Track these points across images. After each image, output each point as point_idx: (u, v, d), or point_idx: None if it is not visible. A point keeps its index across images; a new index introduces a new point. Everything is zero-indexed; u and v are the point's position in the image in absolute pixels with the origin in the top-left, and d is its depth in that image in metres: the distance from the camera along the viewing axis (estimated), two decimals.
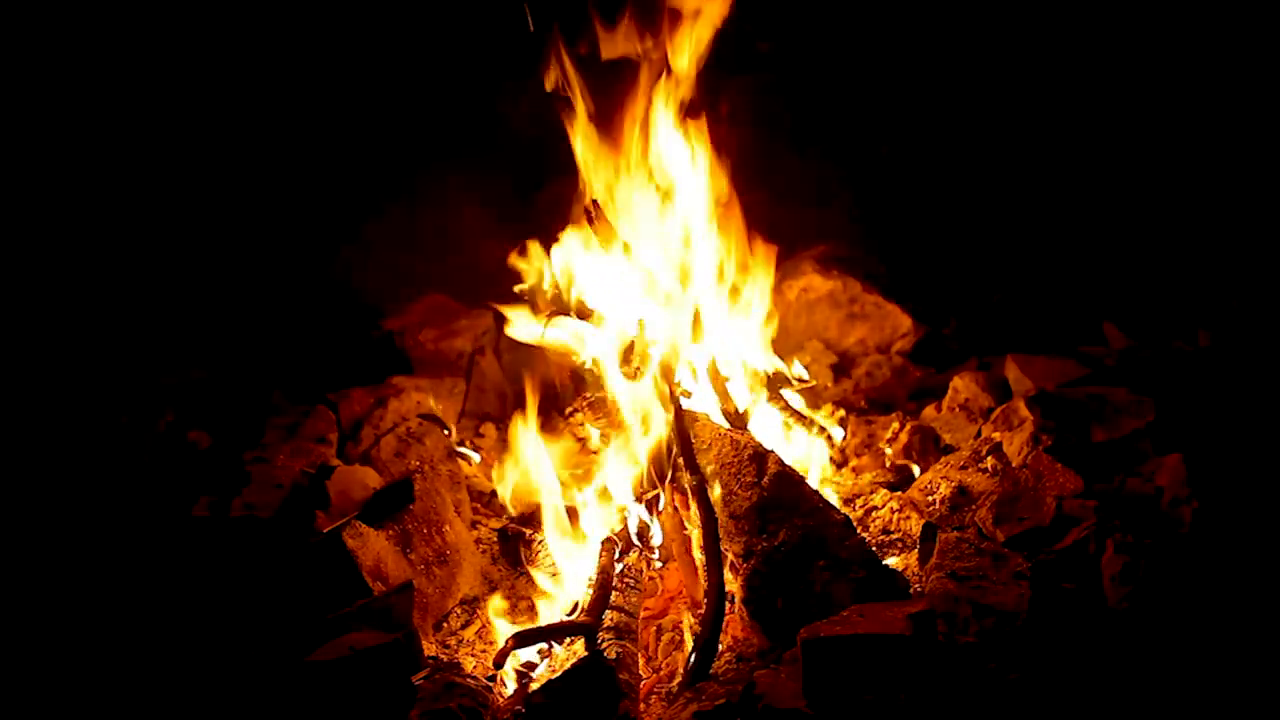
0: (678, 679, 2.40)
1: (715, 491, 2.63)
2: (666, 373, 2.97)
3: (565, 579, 2.85)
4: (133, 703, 2.42)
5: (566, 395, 3.48)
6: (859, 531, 2.60)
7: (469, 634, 2.77)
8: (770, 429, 3.25)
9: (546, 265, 3.29)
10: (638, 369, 3.02)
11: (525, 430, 3.11)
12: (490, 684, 2.38)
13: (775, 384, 3.31)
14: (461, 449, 3.58)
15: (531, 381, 3.21)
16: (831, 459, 3.39)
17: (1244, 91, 4.37)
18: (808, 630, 2.11)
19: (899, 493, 3.06)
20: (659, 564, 2.84)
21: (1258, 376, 3.14)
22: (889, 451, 3.44)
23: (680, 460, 2.78)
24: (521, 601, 2.90)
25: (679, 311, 3.12)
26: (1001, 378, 3.48)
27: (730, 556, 2.54)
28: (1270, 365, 3.19)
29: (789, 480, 2.57)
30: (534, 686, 2.33)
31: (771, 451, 2.64)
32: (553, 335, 3.17)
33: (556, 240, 3.26)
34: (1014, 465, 2.99)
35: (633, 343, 3.07)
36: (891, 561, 2.74)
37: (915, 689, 2.04)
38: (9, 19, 4.33)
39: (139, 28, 4.59)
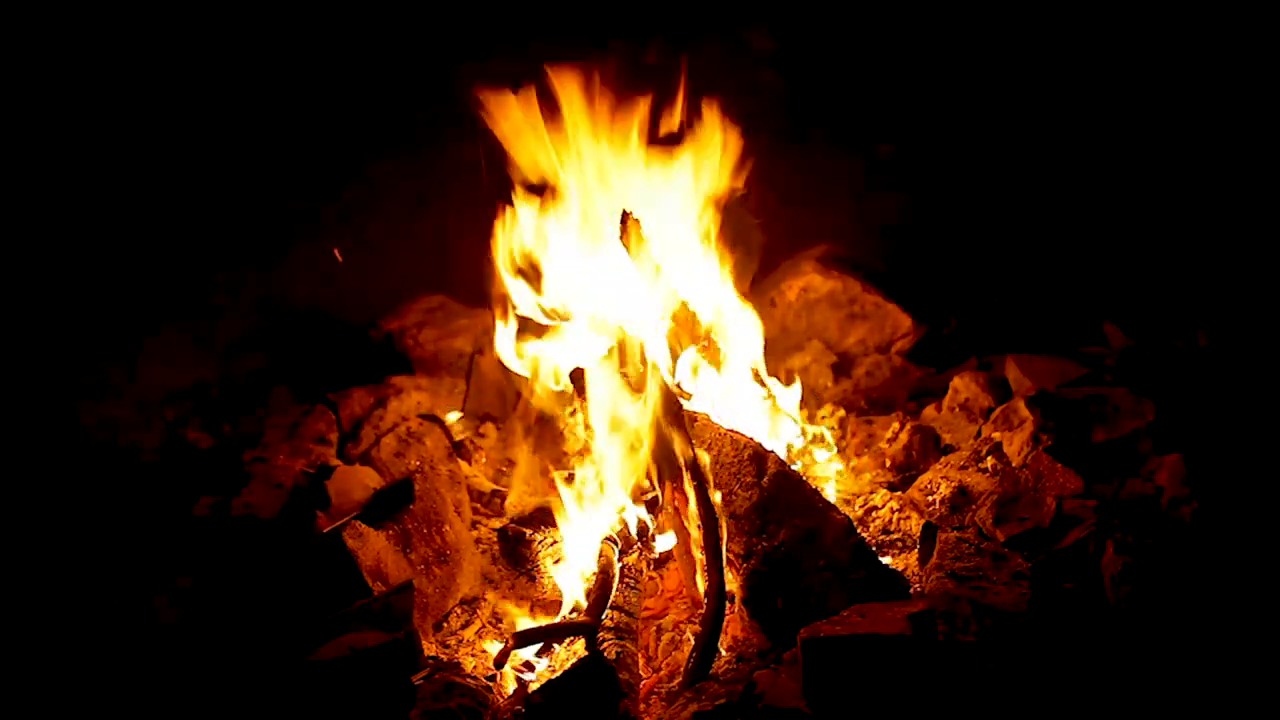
0: (678, 679, 2.40)
1: (715, 492, 2.63)
2: (666, 373, 2.96)
3: (565, 578, 2.85)
4: (134, 702, 2.42)
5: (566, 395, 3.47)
6: (859, 531, 2.60)
7: (469, 634, 2.76)
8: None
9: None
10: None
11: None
12: (490, 684, 2.39)
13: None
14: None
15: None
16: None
17: (1243, 91, 4.36)
18: (808, 630, 2.11)
19: (899, 493, 3.06)
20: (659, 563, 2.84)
21: (1258, 376, 3.15)
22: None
23: (680, 461, 2.77)
24: (521, 601, 2.90)
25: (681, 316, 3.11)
26: (1001, 378, 3.48)
27: (730, 556, 2.54)
28: (1270, 365, 3.19)
29: (789, 480, 2.57)
30: (534, 686, 2.34)
31: (771, 452, 2.64)
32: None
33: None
34: (1014, 465, 2.99)
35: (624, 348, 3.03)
36: (890, 561, 2.74)
37: (915, 689, 2.04)
38: None
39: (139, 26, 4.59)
